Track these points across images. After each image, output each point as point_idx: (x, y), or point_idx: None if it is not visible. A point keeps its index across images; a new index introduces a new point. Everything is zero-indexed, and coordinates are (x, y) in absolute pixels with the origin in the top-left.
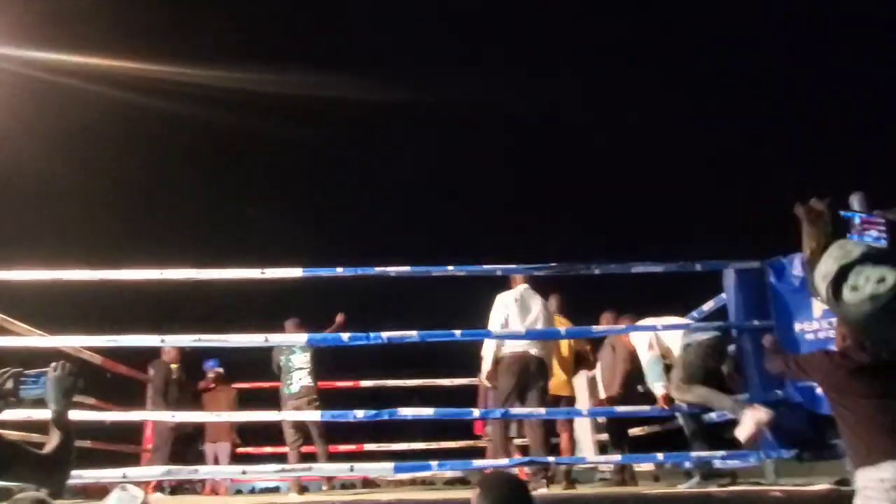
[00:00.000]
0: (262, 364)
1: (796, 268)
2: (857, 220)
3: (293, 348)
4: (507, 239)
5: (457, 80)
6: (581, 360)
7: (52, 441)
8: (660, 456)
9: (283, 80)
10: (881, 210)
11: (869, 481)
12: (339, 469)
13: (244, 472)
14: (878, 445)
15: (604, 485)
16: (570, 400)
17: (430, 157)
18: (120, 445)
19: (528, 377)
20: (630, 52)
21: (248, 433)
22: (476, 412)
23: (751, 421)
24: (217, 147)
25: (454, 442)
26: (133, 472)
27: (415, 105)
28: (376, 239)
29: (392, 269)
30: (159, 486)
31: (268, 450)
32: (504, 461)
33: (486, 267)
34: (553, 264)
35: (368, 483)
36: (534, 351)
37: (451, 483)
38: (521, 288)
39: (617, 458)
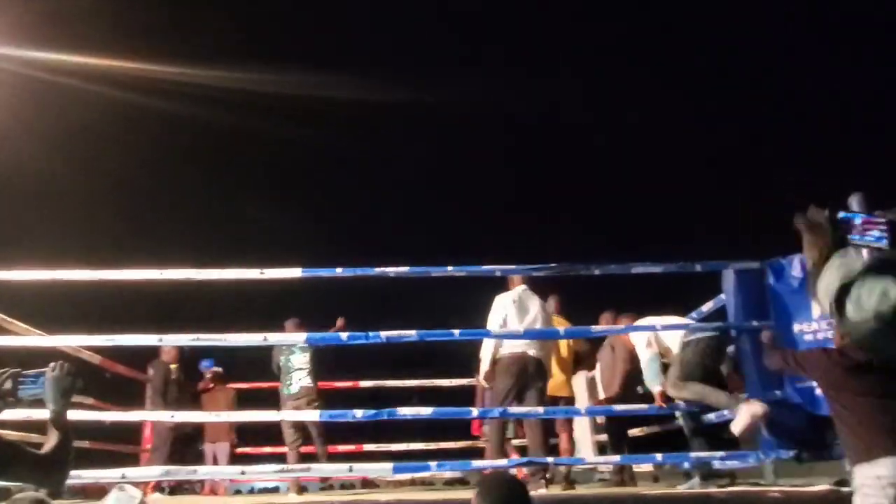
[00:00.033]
0: (261, 364)
1: (796, 268)
2: (858, 221)
3: (293, 348)
4: (506, 239)
5: (457, 80)
6: (580, 361)
7: (51, 441)
8: (659, 457)
9: (283, 80)
10: (882, 210)
11: (866, 479)
12: (339, 469)
13: (243, 473)
14: (876, 443)
15: (603, 485)
16: (570, 400)
17: (430, 157)
18: (119, 445)
19: (526, 378)
20: (630, 52)
21: (247, 433)
22: (475, 411)
23: (746, 414)
24: (217, 147)
25: (453, 442)
26: (132, 472)
27: (415, 105)
28: (376, 239)
29: (391, 270)
30: (158, 487)
31: (267, 450)
32: (503, 461)
33: (485, 267)
34: (553, 265)
35: (368, 483)
36: (532, 352)
37: (451, 483)
38: (519, 289)
39: (616, 458)
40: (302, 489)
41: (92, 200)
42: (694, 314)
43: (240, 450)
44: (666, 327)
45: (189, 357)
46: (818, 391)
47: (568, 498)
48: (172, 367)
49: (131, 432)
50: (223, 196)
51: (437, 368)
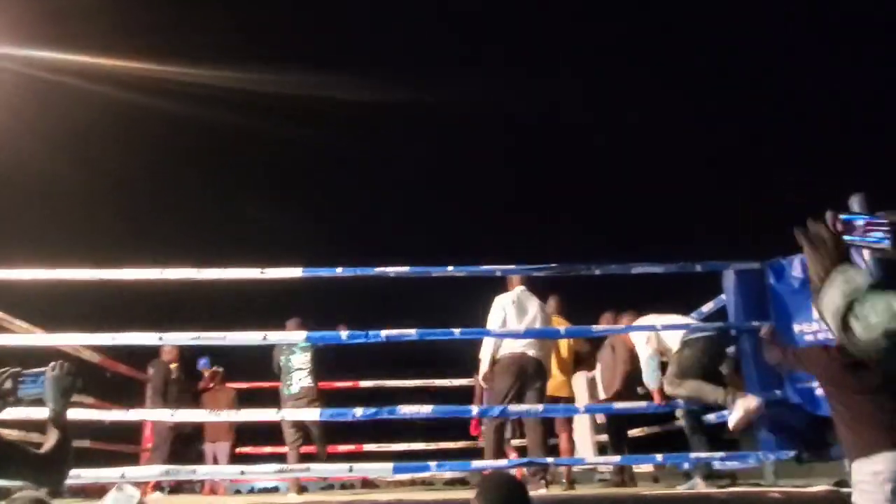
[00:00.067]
0: (261, 364)
1: (796, 269)
2: (860, 222)
3: (293, 348)
4: (506, 239)
5: (457, 80)
6: (580, 361)
7: (50, 440)
8: (659, 457)
9: (283, 80)
10: (885, 212)
11: (864, 475)
12: (339, 469)
13: (243, 472)
14: (873, 439)
15: (603, 486)
16: (569, 401)
17: (430, 157)
18: (119, 445)
19: (525, 378)
20: (630, 52)
21: (247, 433)
22: (475, 410)
23: (741, 408)
24: (217, 147)
25: (453, 442)
26: (132, 471)
27: (415, 105)
28: (376, 239)
29: (391, 270)
30: (158, 486)
31: (267, 450)
32: (503, 462)
33: (485, 267)
34: (553, 265)
35: (368, 483)
36: (531, 352)
37: (451, 484)
38: (518, 290)
39: (616, 459)
40: (302, 489)
41: (93, 200)
42: (694, 314)
43: (240, 449)
44: (666, 327)
45: (189, 356)
46: (818, 391)
47: (568, 498)
48: (172, 366)
49: (131, 432)
50: (223, 196)
51: (438, 369)
